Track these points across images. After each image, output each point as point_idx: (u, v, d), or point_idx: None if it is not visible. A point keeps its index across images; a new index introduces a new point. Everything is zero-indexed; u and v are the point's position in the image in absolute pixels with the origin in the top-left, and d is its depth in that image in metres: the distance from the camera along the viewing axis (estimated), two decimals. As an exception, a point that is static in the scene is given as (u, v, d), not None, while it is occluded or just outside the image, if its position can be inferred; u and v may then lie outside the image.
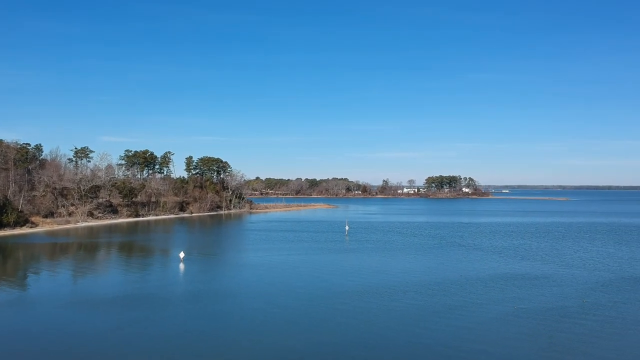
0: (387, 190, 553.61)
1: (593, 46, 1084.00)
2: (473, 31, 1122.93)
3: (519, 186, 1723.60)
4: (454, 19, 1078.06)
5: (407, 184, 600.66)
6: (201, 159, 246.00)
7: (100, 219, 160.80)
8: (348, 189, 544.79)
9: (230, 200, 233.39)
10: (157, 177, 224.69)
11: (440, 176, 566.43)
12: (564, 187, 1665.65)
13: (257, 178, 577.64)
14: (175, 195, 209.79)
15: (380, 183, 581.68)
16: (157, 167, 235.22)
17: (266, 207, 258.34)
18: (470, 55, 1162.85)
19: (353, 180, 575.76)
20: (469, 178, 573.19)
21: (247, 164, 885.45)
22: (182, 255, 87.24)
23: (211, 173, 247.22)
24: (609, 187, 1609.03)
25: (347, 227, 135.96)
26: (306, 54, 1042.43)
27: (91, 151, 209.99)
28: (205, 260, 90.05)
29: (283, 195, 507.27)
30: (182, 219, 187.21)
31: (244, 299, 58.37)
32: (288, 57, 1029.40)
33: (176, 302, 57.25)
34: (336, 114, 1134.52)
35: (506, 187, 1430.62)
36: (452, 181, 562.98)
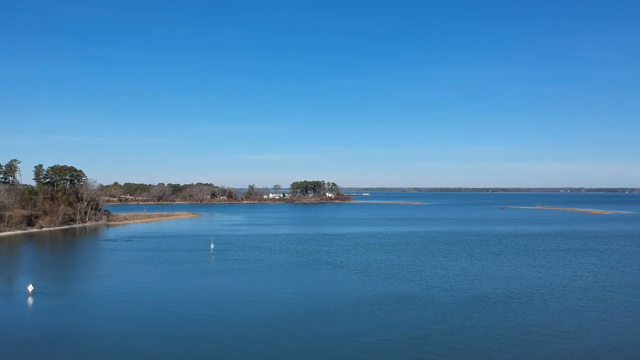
0: (253, 196, 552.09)
1: (451, 53, 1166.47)
2: (340, 37, 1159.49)
3: (379, 188, 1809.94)
4: (323, 26, 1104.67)
5: (273, 189, 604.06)
6: (53, 168, 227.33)
7: None
8: (213, 195, 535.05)
9: (86, 213, 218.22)
10: (0, 188, 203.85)
11: (305, 181, 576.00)
12: (419, 189, 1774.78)
13: (116, 183, 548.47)
14: (23, 208, 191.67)
15: (246, 187, 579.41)
16: (0, 176, 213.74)
17: (125, 219, 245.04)
18: (335, 61, 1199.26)
19: (218, 185, 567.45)
20: (332, 183, 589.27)
21: (105, 168, 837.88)
22: (30, 288, 79.10)
23: (64, 183, 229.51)
24: (459, 189, 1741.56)
25: (212, 246, 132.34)
26: (165, 49, 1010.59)
27: None
28: (58, 292, 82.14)
29: (144, 202, 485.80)
30: (31, 235, 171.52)
31: (104, 345, 53.81)
32: (148, 52, 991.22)
33: (24, 352, 51.26)
34: (202, 115, 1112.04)
35: (367, 189, 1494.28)
36: (316, 186, 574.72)
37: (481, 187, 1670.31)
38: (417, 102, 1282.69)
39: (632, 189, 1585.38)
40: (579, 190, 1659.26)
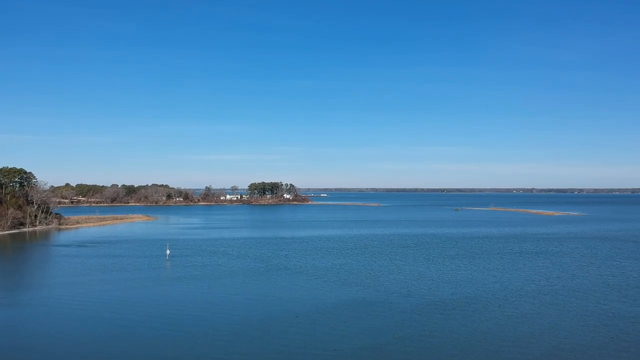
0: (210, 197, 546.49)
1: (407, 54, 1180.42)
2: (299, 37, 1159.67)
3: (337, 189, 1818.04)
4: (282, 25, 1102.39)
5: (230, 190, 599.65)
6: (0, 170, 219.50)
7: None
8: (169, 196, 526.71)
9: (36, 216, 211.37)
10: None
11: (263, 183, 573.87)
12: (376, 190, 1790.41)
13: (67, 184, 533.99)
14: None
15: (203, 188, 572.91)
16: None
17: (78, 222, 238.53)
18: (293, 62, 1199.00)
19: (174, 186, 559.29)
20: (290, 184, 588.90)
21: (56, 168, 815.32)
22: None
23: (13, 185, 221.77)
24: (415, 190, 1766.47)
25: (168, 252, 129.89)
26: (119, 48, 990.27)
27: None
28: (6, 303, 78.86)
29: (97, 203, 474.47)
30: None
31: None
32: (98, 49, 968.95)
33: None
34: (158, 114, 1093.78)
35: (325, 190, 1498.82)
36: (274, 187, 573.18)
37: (437, 187, 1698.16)
38: (374, 103, 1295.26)
39: (581, 190, 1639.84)
40: (530, 190, 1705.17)
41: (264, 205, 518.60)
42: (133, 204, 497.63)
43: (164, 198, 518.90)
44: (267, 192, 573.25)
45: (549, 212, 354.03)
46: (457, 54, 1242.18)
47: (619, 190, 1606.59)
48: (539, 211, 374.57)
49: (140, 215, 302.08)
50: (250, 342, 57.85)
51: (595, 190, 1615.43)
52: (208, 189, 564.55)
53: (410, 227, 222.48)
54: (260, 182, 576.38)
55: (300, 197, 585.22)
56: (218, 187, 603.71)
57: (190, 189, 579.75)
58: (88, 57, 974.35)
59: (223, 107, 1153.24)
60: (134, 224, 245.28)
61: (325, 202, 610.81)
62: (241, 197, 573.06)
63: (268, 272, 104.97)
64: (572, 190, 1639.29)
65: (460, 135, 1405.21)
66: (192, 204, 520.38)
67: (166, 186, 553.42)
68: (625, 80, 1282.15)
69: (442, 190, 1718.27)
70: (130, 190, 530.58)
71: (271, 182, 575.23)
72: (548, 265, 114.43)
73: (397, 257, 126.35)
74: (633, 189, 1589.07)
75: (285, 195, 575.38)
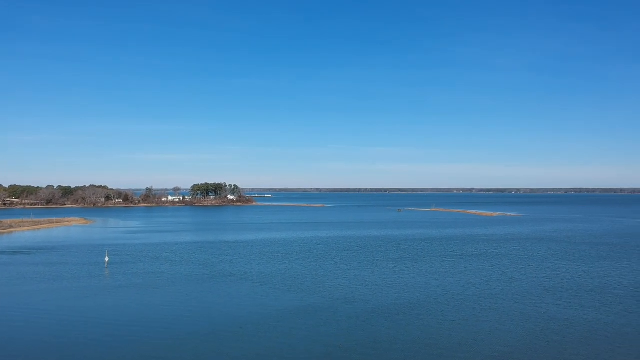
0: (151, 199, 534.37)
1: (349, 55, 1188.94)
2: (241, 36, 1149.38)
3: (281, 189, 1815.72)
4: (226, 24, 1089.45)
5: (172, 191, 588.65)
6: None
7: None
8: (108, 198, 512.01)
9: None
10: None
11: (206, 184, 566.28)
12: (320, 190, 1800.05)
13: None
14: None
15: (144, 189, 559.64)
16: None
17: (11, 226, 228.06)
18: (236, 60, 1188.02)
19: (114, 187, 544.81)
20: (234, 185, 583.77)
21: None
22: None
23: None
24: (359, 190, 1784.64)
25: (106, 259, 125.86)
26: (57, 43, 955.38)
27: None
28: None
29: (32, 205, 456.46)
30: None
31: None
32: (36, 45, 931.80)
33: None
34: (96, 112, 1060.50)
35: (269, 190, 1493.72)
36: (217, 188, 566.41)
37: (380, 187, 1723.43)
38: (318, 104, 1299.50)
39: (518, 190, 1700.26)
40: (470, 190, 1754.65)
41: (208, 206, 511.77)
42: (70, 205, 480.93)
43: (103, 199, 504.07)
44: (210, 193, 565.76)
45: (488, 213, 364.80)
46: (402, 56, 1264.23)
47: (553, 190, 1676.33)
48: (479, 212, 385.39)
49: (77, 219, 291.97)
50: (194, 355, 56.68)
51: (532, 190, 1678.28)
52: (149, 190, 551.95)
53: (354, 229, 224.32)
54: (203, 183, 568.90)
55: (244, 198, 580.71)
56: (160, 188, 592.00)
57: (130, 190, 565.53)
58: (21, 53, 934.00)
59: (165, 106, 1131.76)
60: (70, 228, 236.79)
61: (270, 203, 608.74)
62: (184, 198, 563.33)
63: (212, 279, 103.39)
64: (510, 190, 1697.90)
65: (403, 136, 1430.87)
66: (132, 205, 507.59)
67: (105, 187, 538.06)
68: (561, 83, 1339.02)
69: (385, 190, 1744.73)
70: (66, 192, 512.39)
71: (215, 183, 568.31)
72: (488, 267, 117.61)
73: (342, 261, 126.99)
74: (566, 189, 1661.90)
75: (229, 196, 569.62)
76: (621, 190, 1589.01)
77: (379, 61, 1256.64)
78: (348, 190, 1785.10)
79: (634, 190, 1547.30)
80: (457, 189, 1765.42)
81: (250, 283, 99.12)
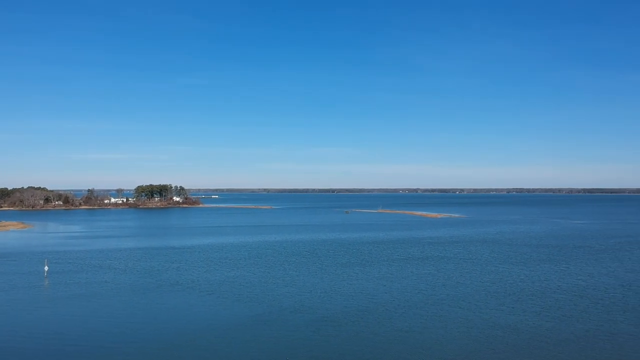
0: (92, 201, 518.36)
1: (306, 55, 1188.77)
2: (188, 35, 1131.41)
3: (228, 189, 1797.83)
4: (170, 23, 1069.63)
5: (115, 193, 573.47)
6: None
7: None
8: (47, 200, 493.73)
9: None
10: None
11: (151, 185, 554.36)
12: (268, 190, 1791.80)
13: None
14: None
15: (85, 190, 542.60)
16: None
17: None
18: (181, 59, 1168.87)
19: (53, 188, 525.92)
20: (180, 187, 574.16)
21: None
22: None
23: None
24: (307, 190, 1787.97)
25: (46, 267, 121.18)
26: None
27: None
28: None
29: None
30: None
31: None
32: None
33: None
34: (34, 109, 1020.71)
35: (216, 191, 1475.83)
36: (162, 190, 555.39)
37: (327, 187, 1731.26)
38: (265, 104, 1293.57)
39: (462, 190, 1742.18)
40: (416, 190, 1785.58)
41: (152, 208, 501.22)
42: (6, 208, 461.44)
43: (42, 202, 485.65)
44: (155, 195, 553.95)
45: (433, 214, 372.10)
46: (350, 58, 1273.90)
47: (495, 190, 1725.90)
48: (424, 213, 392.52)
49: (14, 223, 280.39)
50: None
51: (475, 190, 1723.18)
52: (91, 191, 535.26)
53: (303, 233, 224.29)
54: (148, 184, 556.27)
55: (190, 200, 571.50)
56: (102, 189, 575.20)
57: (70, 191, 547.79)
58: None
59: (108, 103, 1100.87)
60: (7, 233, 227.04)
61: (217, 205, 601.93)
62: (127, 200, 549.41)
63: (158, 289, 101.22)
64: (454, 190, 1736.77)
65: (350, 136, 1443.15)
66: (73, 208, 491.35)
67: (44, 189, 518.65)
68: (501, 86, 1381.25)
69: (333, 190, 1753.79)
70: (3, 194, 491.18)
71: (160, 185, 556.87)
72: (433, 272, 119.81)
73: (291, 267, 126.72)
74: (507, 189, 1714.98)
75: (174, 198, 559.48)
76: (559, 190, 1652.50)
77: (325, 62, 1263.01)
78: (296, 190, 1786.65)
79: (570, 190, 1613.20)
80: (403, 189, 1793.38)
81: (198, 292, 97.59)
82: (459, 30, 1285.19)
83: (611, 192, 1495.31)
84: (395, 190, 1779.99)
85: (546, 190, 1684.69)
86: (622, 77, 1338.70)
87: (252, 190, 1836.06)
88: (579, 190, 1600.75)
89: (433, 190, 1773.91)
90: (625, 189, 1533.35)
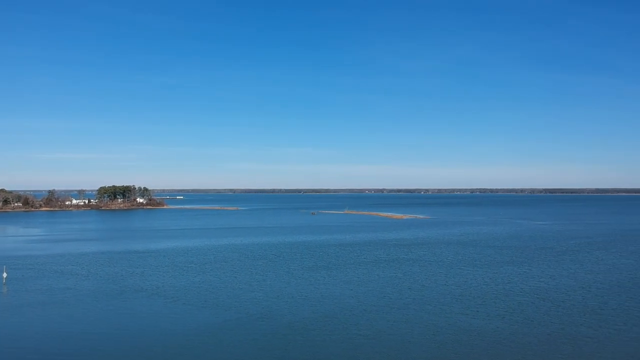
0: (53, 202, 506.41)
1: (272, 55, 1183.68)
2: (150, 33, 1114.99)
3: (194, 190, 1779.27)
4: (135, 21, 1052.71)
5: (76, 193, 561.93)
6: None
7: None
8: (6, 202, 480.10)
9: None
10: None
11: (114, 186, 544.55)
12: (234, 191, 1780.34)
13: None
14: None
15: (45, 191, 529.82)
16: None
17: None
18: (146, 58, 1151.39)
19: (12, 189, 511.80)
20: (144, 188, 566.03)
21: None
22: None
23: None
24: (273, 191, 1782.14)
25: (4, 274, 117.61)
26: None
27: None
28: None
29: None
30: None
31: None
32: None
33: None
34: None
35: (181, 191, 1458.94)
36: (126, 191, 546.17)
37: (294, 188, 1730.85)
38: (231, 103, 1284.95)
39: (427, 190, 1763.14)
40: (382, 191, 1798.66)
41: (115, 210, 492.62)
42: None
43: (0, 204, 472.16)
44: (118, 196, 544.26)
45: (399, 215, 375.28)
46: (318, 58, 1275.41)
47: (459, 190, 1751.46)
48: (390, 214, 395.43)
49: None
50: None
51: (439, 190, 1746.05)
52: (52, 192, 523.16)
53: (269, 235, 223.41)
54: (110, 185, 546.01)
55: (154, 201, 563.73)
56: (63, 190, 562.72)
57: (30, 193, 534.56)
58: None
59: (68, 101, 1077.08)
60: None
61: (182, 206, 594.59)
62: (89, 201, 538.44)
63: (122, 295, 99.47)
64: (419, 191, 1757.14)
65: (318, 136, 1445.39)
66: (33, 210, 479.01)
67: (2, 190, 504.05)
68: (466, 87, 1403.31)
69: (299, 191, 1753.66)
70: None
71: (123, 186, 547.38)
72: (399, 275, 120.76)
73: (258, 272, 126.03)
74: (471, 189, 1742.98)
75: (138, 199, 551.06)
76: (521, 190, 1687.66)
77: (296, 62, 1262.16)
78: (263, 191, 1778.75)
79: (532, 190, 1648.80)
80: (369, 190, 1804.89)
81: (163, 299, 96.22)
82: (425, 32, 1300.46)
83: (571, 192, 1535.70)
84: (362, 191, 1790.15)
85: (509, 191, 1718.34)
86: (581, 79, 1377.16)
87: (218, 191, 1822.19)
88: (540, 191, 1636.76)
89: (399, 191, 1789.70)
90: (585, 189, 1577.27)
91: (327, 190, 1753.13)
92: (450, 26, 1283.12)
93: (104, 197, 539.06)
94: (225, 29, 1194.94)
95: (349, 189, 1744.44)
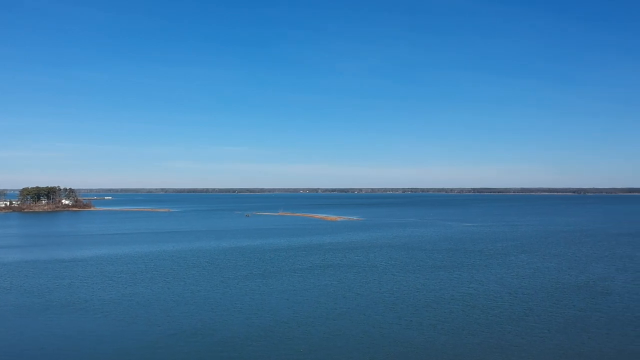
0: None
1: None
2: (80, 27, 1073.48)
3: (123, 190, 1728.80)
4: (74, 16, 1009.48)
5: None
6: None
7: None
8: None
9: None
10: None
11: (37, 187, 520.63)
12: (166, 190, 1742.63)
13: None
14: None
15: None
16: None
17: None
18: (78, 53, 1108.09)
19: None
20: (69, 189, 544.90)
21: None
22: None
23: None
24: (207, 190, 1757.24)
25: None
26: None
27: None
28: None
29: None
30: None
31: None
32: None
33: None
34: None
35: (109, 191, 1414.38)
36: (50, 192, 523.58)
37: (228, 187, 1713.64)
38: (165, 101, 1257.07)
39: (360, 189, 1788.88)
40: (316, 190, 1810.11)
41: (39, 212, 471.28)
42: None
43: None
44: (42, 198, 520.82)
45: (333, 217, 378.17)
46: (251, 56, 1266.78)
47: (392, 189, 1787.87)
48: (324, 216, 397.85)
49: None
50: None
51: (372, 190, 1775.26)
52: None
53: (203, 240, 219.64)
54: (34, 186, 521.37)
55: (81, 203, 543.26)
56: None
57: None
58: None
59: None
60: None
61: (111, 208, 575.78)
62: (11, 203, 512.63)
63: (47, 310, 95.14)
64: (353, 190, 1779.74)
65: (252, 135, 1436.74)
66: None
67: None
68: (398, 89, 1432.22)
69: (233, 190, 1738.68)
70: None
71: (47, 187, 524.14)
72: (334, 282, 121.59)
73: (191, 281, 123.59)
74: (403, 188, 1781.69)
75: (63, 201, 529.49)
76: (451, 190, 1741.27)
77: (229, 59, 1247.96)
78: (195, 190, 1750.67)
79: (461, 190, 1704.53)
80: (304, 189, 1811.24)
81: (92, 314, 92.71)
82: (361, 32, 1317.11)
83: (498, 192, 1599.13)
84: (296, 190, 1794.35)
85: (439, 190, 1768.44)
86: (510, 82, 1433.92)
87: (149, 190, 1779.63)
88: (469, 190, 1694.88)
89: (333, 190, 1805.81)
90: (510, 189, 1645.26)
91: (261, 190, 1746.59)
92: (386, 27, 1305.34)
93: (27, 199, 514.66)
94: (160, 24, 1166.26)
95: (284, 189, 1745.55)
